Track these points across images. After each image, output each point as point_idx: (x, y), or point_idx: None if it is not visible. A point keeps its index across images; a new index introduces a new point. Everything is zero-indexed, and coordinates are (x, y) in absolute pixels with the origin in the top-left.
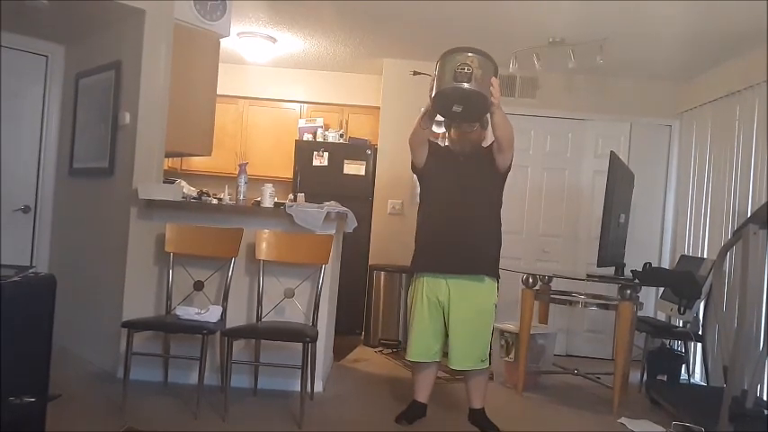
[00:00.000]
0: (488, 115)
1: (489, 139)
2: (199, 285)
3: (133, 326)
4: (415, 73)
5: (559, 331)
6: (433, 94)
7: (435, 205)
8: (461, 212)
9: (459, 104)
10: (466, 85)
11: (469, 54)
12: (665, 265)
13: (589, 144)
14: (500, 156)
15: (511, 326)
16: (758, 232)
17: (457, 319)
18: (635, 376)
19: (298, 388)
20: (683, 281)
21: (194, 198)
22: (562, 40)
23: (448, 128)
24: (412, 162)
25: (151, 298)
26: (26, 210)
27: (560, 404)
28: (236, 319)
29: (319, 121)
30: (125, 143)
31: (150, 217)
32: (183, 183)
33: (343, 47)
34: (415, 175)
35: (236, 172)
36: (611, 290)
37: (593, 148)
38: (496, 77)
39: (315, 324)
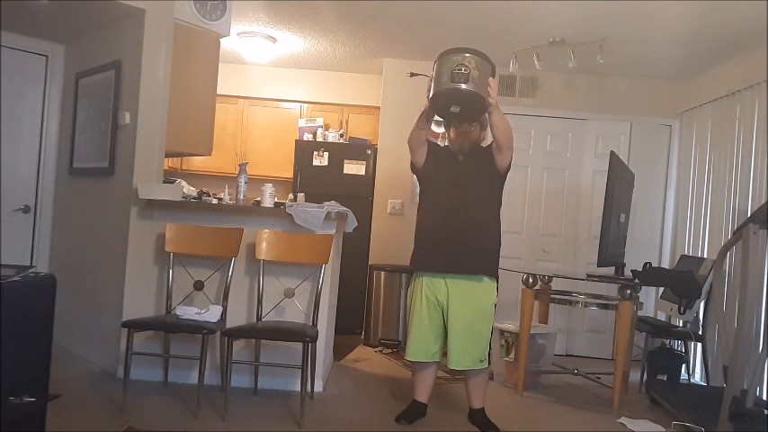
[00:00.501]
0: (487, 115)
1: (489, 138)
2: (199, 285)
3: (133, 326)
4: (412, 74)
5: (559, 331)
6: (431, 95)
7: (434, 205)
8: (461, 212)
9: (457, 105)
10: (463, 86)
11: (467, 55)
12: (665, 265)
13: (589, 144)
14: (499, 155)
15: (511, 326)
16: (758, 232)
17: (456, 318)
18: (635, 376)
19: (298, 388)
20: (683, 281)
21: (194, 198)
22: (562, 39)
23: (447, 128)
24: (411, 162)
25: (151, 298)
26: (26, 209)
27: (560, 404)
28: (236, 318)
29: (319, 121)
30: (125, 143)
31: (150, 217)
32: (183, 183)
33: (343, 47)
34: (414, 175)
35: (236, 172)
36: (611, 290)
37: (593, 147)
38: (494, 78)
39: (315, 324)
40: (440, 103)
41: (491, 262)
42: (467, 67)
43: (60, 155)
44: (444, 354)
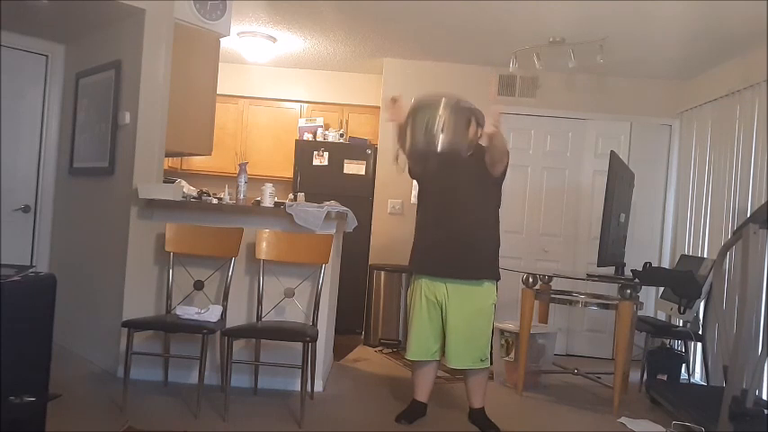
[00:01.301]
0: (481, 114)
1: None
2: (199, 285)
3: (133, 325)
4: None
5: (559, 331)
6: (408, 149)
7: (433, 207)
8: (459, 214)
9: (435, 157)
10: (437, 142)
11: (439, 106)
12: (665, 264)
13: (589, 144)
14: (492, 168)
15: (511, 325)
16: (758, 232)
17: (454, 318)
18: (635, 376)
19: (298, 387)
20: (683, 280)
21: (194, 198)
22: (562, 39)
23: None
24: (409, 167)
25: (151, 298)
26: (26, 209)
27: (560, 404)
28: (237, 318)
29: (319, 121)
30: (125, 143)
31: (150, 216)
32: (184, 182)
33: (343, 46)
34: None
35: (237, 171)
36: (611, 289)
37: (593, 147)
38: (471, 121)
39: (315, 324)
40: (419, 157)
41: (491, 265)
42: (439, 120)
43: (60, 155)
44: (443, 353)
